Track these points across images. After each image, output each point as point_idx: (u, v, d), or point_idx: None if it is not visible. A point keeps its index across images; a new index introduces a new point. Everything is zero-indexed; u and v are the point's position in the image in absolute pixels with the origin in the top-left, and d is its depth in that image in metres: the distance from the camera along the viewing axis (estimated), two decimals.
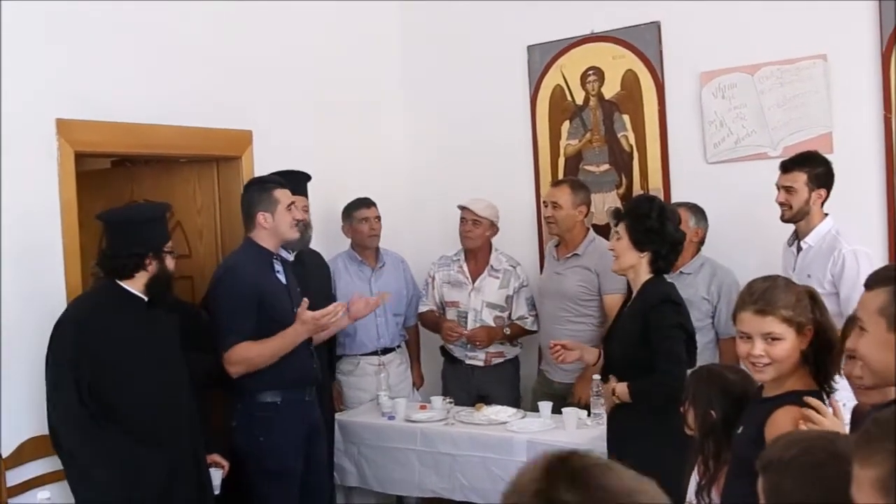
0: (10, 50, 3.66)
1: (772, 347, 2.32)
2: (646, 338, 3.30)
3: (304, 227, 4.30)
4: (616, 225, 3.46)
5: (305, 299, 3.75)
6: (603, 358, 3.63)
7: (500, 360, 4.83)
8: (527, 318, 4.81)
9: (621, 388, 3.35)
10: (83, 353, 3.24)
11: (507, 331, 4.78)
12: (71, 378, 3.22)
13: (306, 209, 4.42)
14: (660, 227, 3.36)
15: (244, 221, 3.97)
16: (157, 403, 3.38)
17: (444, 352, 4.96)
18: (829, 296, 3.80)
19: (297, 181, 4.30)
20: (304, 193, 4.43)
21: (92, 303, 3.43)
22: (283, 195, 3.90)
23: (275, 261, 3.91)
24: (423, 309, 5.03)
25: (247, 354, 3.71)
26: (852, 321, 2.17)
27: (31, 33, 3.73)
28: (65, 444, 3.28)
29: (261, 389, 3.78)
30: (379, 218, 4.90)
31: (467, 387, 4.81)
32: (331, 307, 3.81)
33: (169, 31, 4.27)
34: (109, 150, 4.27)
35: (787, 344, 2.31)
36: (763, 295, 2.34)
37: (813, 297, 2.39)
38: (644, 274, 3.40)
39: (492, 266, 4.86)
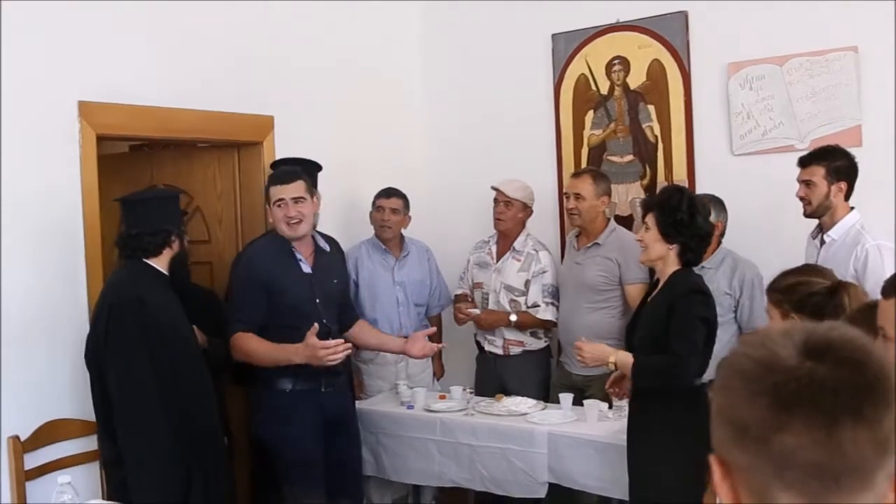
0: (34, 32, 3.64)
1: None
2: (670, 326, 3.26)
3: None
4: (644, 216, 3.42)
5: (315, 325, 3.58)
6: (626, 348, 3.59)
7: (520, 349, 4.71)
8: (539, 305, 4.66)
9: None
10: (149, 330, 3.25)
11: (514, 318, 4.65)
12: (142, 357, 3.22)
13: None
14: (689, 220, 3.32)
15: None
16: (201, 378, 3.45)
17: (477, 341, 4.91)
18: None
19: (311, 169, 4.19)
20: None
21: (140, 280, 3.41)
22: (273, 192, 3.77)
23: (294, 250, 3.82)
24: (458, 292, 4.98)
25: (246, 347, 3.68)
26: None
27: (54, 16, 3.71)
28: (130, 420, 3.25)
29: (274, 376, 3.74)
30: (396, 210, 4.78)
31: (490, 377, 4.76)
32: (331, 343, 3.58)
33: (192, 16, 4.24)
34: (131, 134, 4.25)
35: (773, 324, 2.59)
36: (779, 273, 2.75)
37: (834, 292, 2.56)
38: (672, 266, 3.37)
39: (514, 248, 4.76)
